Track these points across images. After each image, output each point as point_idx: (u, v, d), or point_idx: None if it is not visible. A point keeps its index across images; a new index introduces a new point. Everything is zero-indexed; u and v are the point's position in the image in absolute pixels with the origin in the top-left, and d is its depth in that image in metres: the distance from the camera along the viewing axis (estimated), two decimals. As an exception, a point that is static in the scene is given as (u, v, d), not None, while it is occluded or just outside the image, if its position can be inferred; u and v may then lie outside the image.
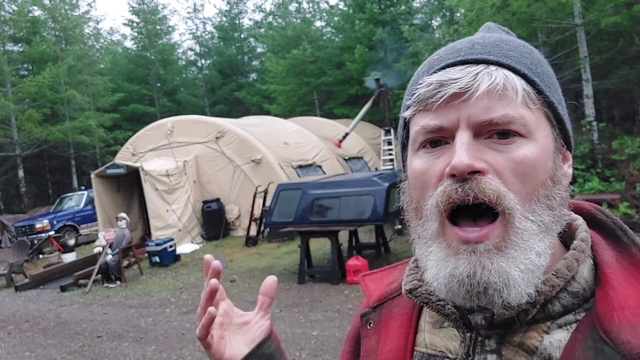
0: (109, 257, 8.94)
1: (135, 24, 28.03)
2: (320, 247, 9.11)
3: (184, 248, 10.89)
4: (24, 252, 10.42)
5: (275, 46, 25.50)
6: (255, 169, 11.93)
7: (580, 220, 0.63)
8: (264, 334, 0.75)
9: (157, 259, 9.88)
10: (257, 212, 11.06)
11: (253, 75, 31.67)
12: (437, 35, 18.42)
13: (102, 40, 28.65)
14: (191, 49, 33.49)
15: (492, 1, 9.82)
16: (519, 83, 0.55)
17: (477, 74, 0.55)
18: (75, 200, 15.27)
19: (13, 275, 9.75)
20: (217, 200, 11.98)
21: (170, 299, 7.52)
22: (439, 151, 0.57)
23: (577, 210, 0.65)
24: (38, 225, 13.80)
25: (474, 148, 0.54)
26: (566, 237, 0.61)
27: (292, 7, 27.93)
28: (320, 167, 13.75)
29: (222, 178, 12.21)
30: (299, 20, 26.57)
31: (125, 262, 9.43)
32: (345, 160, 15.66)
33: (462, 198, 0.53)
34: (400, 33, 18.63)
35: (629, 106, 17.55)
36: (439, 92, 0.55)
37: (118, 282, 8.81)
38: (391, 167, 14.16)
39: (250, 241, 10.77)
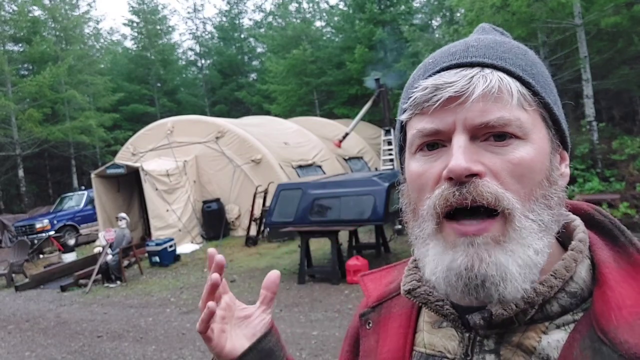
0: (109, 257, 8.94)
1: (135, 24, 28.04)
2: (320, 247, 9.12)
3: (184, 248, 10.89)
4: (24, 251, 10.42)
5: (275, 46, 25.50)
6: (255, 169, 11.94)
7: (578, 221, 0.63)
8: (265, 328, 0.76)
9: (157, 258, 9.89)
10: (257, 212, 11.07)
11: (253, 75, 31.68)
12: (437, 35, 18.42)
13: (102, 40, 28.68)
14: (191, 49, 33.54)
15: (492, 1, 9.82)
16: (514, 85, 0.55)
17: (472, 77, 0.55)
18: (75, 200, 15.28)
19: (13, 275, 9.75)
20: (217, 200, 11.98)
21: (171, 299, 7.52)
22: (436, 154, 0.58)
23: (575, 210, 0.66)
24: (38, 225, 13.80)
25: (470, 151, 0.54)
26: (564, 238, 0.62)
27: (292, 7, 27.95)
28: (320, 167, 13.75)
29: (222, 178, 12.21)
30: (299, 20, 26.57)
31: (126, 262, 9.44)
32: (345, 160, 15.66)
33: (459, 201, 0.54)
34: (400, 33, 18.63)
35: (628, 106, 17.55)
36: (434, 95, 0.56)
37: (118, 282, 8.81)
38: (391, 167, 14.16)
39: (250, 241, 10.77)
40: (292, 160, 12.84)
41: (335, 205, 7.43)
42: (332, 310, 6.08)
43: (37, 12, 22.44)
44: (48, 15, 22.60)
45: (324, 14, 27.86)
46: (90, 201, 14.44)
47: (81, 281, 9.05)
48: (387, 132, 14.58)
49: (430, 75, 0.59)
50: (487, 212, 0.54)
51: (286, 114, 21.39)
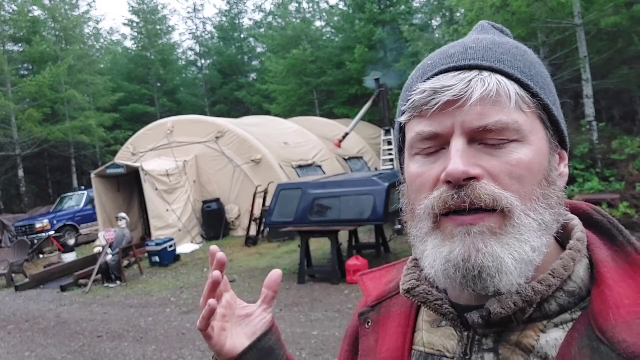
0: (109, 257, 8.94)
1: (135, 24, 28.04)
2: (320, 247, 9.12)
3: (184, 248, 10.89)
4: (24, 252, 10.42)
5: (275, 46, 25.50)
6: (255, 169, 11.94)
7: (576, 220, 0.64)
8: (265, 327, 0.76)
9: (157, 258, 9.89)
10: (257, 212, 11.07)
11: (253, 75, 31.68)
12: (437, 35, 18.42)
13: (102, 40, 28.68)
14: (191, 49, 33.55)
15: (492, 1, 9.83)
16: (512, 88, 0.56)
17: (471, 80, 0.55)
18: (75, 200, 15.28)
19: (13, 275, 9.75)
20: (217, 200, 11.99)
21: (171, 299, 7.53)
22: (434, 156, 0.58)
23: (574, 210, 0.66)
24: (38, 225, 13.80)
25: (469, 154, 0.55)
26: (562, 237, 0.62)
27: (292, 7, 27.95)
28: (320, 167, 13.75)
29: (222, 178, 12.21)
30: (299, 20, 26.57)
31: (126, 262, 9.44)
32: (345, 160, 15.66)
33: (458, 204, 0.54)
34: (400, 33, 18.64)
35: (628, 106, 17.56)
36: (433, 99, 0.56)
37: (118, 282, 8.81)
38: (391, 167, 14.16)
39: (250, 241, 10.77)
40: (292, 160, 12.84)
41: (335, 205, 7.44)
42: (332, 310, 6.09)
43: (37, 12, 22.46)
44: (48, 15, 22.60)
45: (324, 14, 27.88)
46: (90, 201, 14.45)
47: (81, 281, 9.05)
48: (387, 132, 14.58)
49: (428, 78, 0.59)
50: (486, 210, 0.54)
51: (286, 114, 21.39)
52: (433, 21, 23.81)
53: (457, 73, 0.57)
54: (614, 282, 0.54)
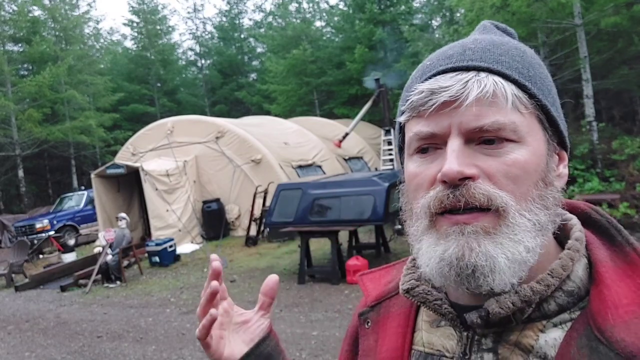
0: (109, 257, 8.94)
1: (135, 24, 28.04)
2: (320, 247, 9.12)
3: (184, 248, 10.89)
4: (24, 252, 10.42)
5: (275, 46, 25.51)
6: (255, 169, 11.94)
7: (574, 220, 0.64)
8: (263, 332, 0.76)
9: (157, 259, 9.89)
10: (257, 212, 11.07)
11: (253, 75, 31.69)
12: (437, 35, 18.42)
13: (102, 40, 28.69)
14: (191, 49, 33.55)
15: (492, 1, 9.83)
16: (509, 89, 0.56)
17: (467, 81, 0.56)
18: (75, 200, 15.28)
19: (13, 275, 9.75)
20: (217, 200, 11.99)
21: (171, 299, 7.53)
22: (432, 156, 0.59)
23: (572, 209, 0.66)
24: (38, 225, 13.80)
25: (464, 154, 0.55)
26: (561, 237, 0.62)
27: (292, 7, 27.95)
28: (320, 167, 13.75)
29: (222, 178, 12.21)
30: (299, 20, 26.57)
31: (125, 262, 9.44)
32: (345, 160, 15.67)
33: (453, 203, 0.55)
34: (400, 33, 18.64)
35: (628, 106, 17.56)
36: (430, 100, 0.57)
37: (118, 282, 8.81)
38: (391, 167, 14.16)
39: (250, 241, 10.77)
40: (292, 160, 12.84)
41: (335, 205, 7.44)
42: (332, 310, 6.09)
43: (37, 12, 22.47)
44: (48, 15, 22.60)
45: (324, 14, 27.88)
46: (90, 201, 14.45)
47: (81, 281, 9.05)
48: (387, 132, 14.59)
49: (427, 79, 0.59)
50: (481, 209, 0.55)
51: (286, 114, 21.40)
52: (433, 21, 23.83)
53: (454, 74, 0.57)
54: (612, 282, 0.54)
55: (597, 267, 0.57)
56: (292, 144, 13.69)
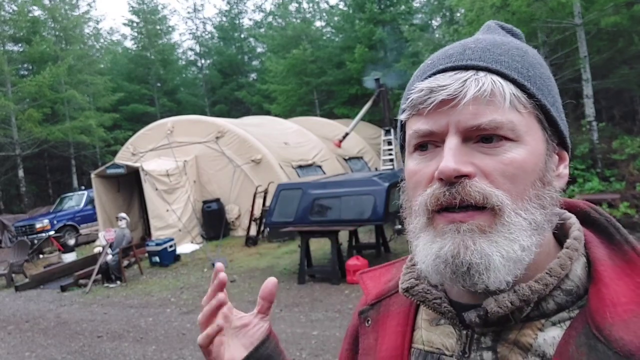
0: (109, 257, 8.95)
1: (135, 24, 28.05)
2: (320, 247, 9.12)
3: (184, 248, 10.89)
4: (24, 252, 10.43)
5: (275, 46, 25.51)
6: (255, 169, 11.94)
7: (573, 219, 0.64)
8: (262, 335, 0.76)
9: (157, 258, 9.89)
10: (257, 212, 11.07)
11: (253, 75, 31.69)
12: (437, 35, 18.42)
13: (102, 40, 28.68)
14: (191, 49, 33.57)
15: (492, 1, 9.83)
16: (507, 88, 0.56)
17: (466, 80, 0.56)
18: (75, 200, 15.28)
19: (13, 275, 9.75)
20: (217, 200, 11.99)
21: (171, 299, 7.53)
22: (431, 154, 0.59)
23: (571, 208, 0.67)
24: (38, 225, 13.81)
25: (461, 152, 0.56)
26: (560, 236, 0.62)
27: (292, 7, 27.96)
28: (320, 167, 13.75)
29: (222, 178, 12.22)
30: (299, 20, 26.57)
31: (126, 262, 9.44)
32: (345, 160, 15.67)
33: (449, 201, 0.55)
34: (400, 33, 18.64)
35: (629, 106, 17.55)
36: (429, 98, 0.57)
37: (118, 282, 8.81)
38: (391, 167, 14.17)
39: (250, 241, 10.77)
40: (292, 160, 12.85)
41: (335, 205, 7.44)
42: (333, 310, 6.09)
43: (37, 12, 22.47)
44: (48, 15, 22.60)
45: (324, 14, 27.88)
46: (90, 201, 14.45)
47: (81, 281, 9.05)
48: (387, 132, 14.59)
49: (427, 77, 0.60)
50: (477, 207, 0.56)
51: (286, 114, 21.40)
52: (433, 21, 23.83)
53: (453, 73, 0.58)
54: (610, 280, 0.54)
55: (595, 266, 0.57)
56: (292, 144, 13.69)
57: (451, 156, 0.55)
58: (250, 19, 39.98)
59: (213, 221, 11.72)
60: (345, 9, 24.71)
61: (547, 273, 0.57)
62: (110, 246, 9.14)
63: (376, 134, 18.24)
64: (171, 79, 29.02)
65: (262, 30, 30.58)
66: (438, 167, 0.56)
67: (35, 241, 12.63)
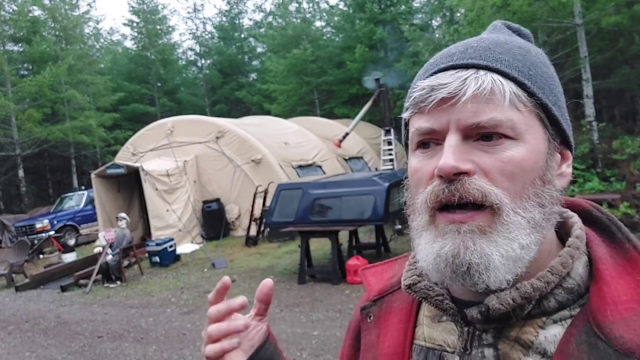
0: (109, 257, 8.95)
1: (135, 24, 28.05)
2: (320, 247, 9.12)
3: (184, 248, 10.90)
4: (24, 252, 10.43)
5: (276, 46, 25.51)
6: (255, 169, 11.94)
7: (575, 218, 0.64)
8: (262, 338, 0.75)
9: (157, 259, 9.89)
10: (257, 212, 11.07)
11: (253, 75, 31.70)
12: (437, 35, 18.42)
13: (102, 40, 28.68)
14: (191, 49, 33.56)
15: (492, 1, 9.83)
16: (507, 87, 0.57)
17: (466, 79, 0.57)
18: (75, 200, 15.29)
19: (13, 275, 9.76)
20: (217, 200, 11.99)
21: (171, 299, 7.53)
22: (432, 152, 0.60)
23: (573, 207, 0.67)
24: (38, 225, 13.81)
25: (461, 150, 0.56)
26: (562, 234, 0.63)
27: (292, 7, 27.95)
28: (320, 167, 13.75)
29: (222, 178, 12.22)
30: (299, 20, 26.57)
31: (126, 262, 9.44)
32: (345, 160, 15.67)
33: (448, 198, 0.56)
34: (400, 33, 18.64)
35: (629, 105, 17.55)
36: (430, 96, 0.58)
37: (118, 282, 8.82)
38: (391, 167, 14.17)
39: (251, 241, 10.77)
40: (292, 160, 12.85)
41: (335, 205, 7.44)
42: (333, 310, 6.09)
43: (37, 12, 22.48)
44: (48, 15, 22.61)
45: (324, 14, 27.88)
46: (90, 201, 14.46)
47: (81, 281, 9.05)
48: (387, 132, 14.59)
49: (429, 76, 0.61)
50: (476, 206, 0.56)
51: (286, 114, 21.40)
52: (433, 21, 23.83)
53: (454, 71, 0.59)
54: (611, 279, 0.55)
55: (597, 264, 0.57)
56: (292, 144, 13.69)
57: (451, 153, 0.55)
58: (250, 19, 39.97)
59: (213, 221, 11.73)
60: (345, 8, 24.71)
61: (548, 271, 0.57)
62: (111, 246, 9.14)
63: (376, 134, 18.24)
64: (171, 78, 29.02)
65: (262, 30, 30.58)
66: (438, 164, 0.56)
67: (36, 241, 12.63)
